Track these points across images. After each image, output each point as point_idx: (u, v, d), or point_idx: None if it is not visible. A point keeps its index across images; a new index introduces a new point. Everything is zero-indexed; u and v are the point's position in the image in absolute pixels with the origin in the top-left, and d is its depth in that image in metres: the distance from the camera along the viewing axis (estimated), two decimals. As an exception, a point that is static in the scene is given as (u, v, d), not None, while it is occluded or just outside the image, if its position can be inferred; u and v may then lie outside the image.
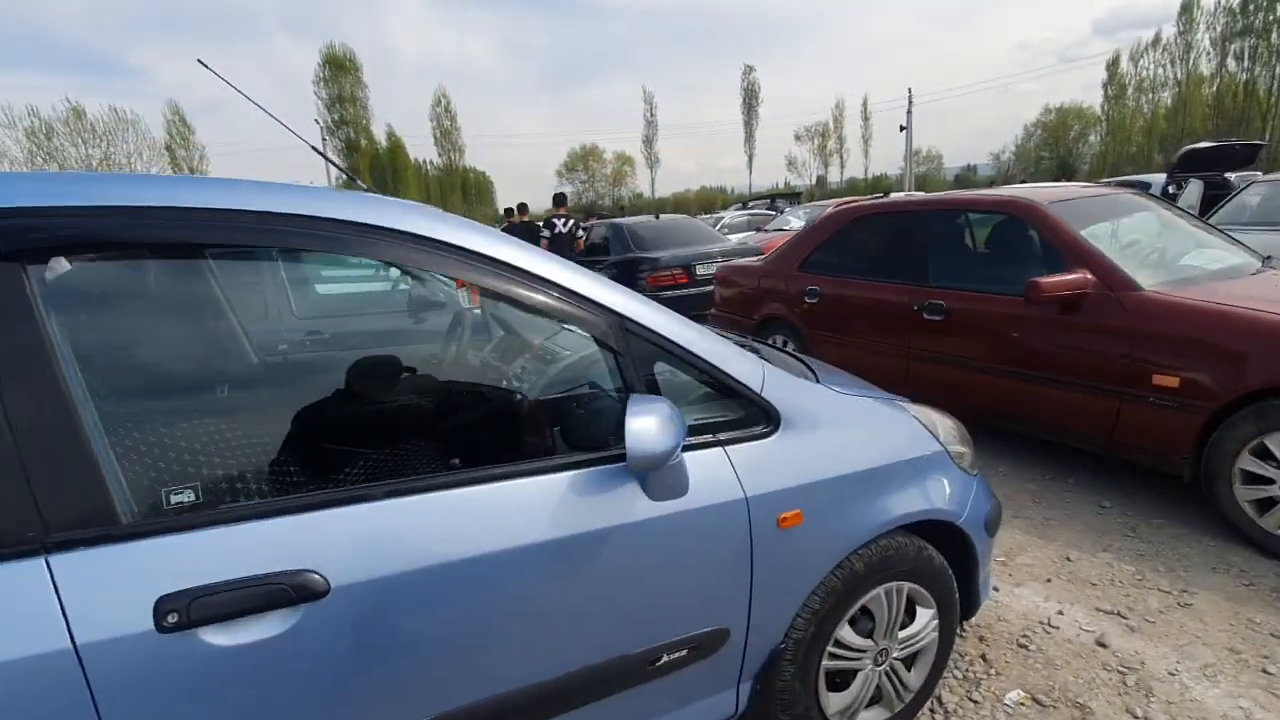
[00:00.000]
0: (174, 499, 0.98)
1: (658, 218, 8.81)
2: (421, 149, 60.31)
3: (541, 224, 8.34)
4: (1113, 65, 48.17)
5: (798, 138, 71.08)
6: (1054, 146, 56.77)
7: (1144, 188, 8.51)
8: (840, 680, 1.58)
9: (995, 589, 2.31)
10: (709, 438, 1.33)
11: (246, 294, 1.25)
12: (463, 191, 60.47)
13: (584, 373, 1.43)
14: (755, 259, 5.26)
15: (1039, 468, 3.28)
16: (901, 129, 36.90)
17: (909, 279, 3.71)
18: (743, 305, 5.04)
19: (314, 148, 1.63)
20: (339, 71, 48.65)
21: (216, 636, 0.93)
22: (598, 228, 8.96)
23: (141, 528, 0.93)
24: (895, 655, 1.63)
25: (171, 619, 0.90)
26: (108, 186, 0.99)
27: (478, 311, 1.93)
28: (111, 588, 0.90)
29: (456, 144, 57.07)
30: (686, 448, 1.29)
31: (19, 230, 0.91)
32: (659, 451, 1.08)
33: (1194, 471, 2.57)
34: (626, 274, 7.73)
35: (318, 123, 34.08)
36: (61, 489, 0.88)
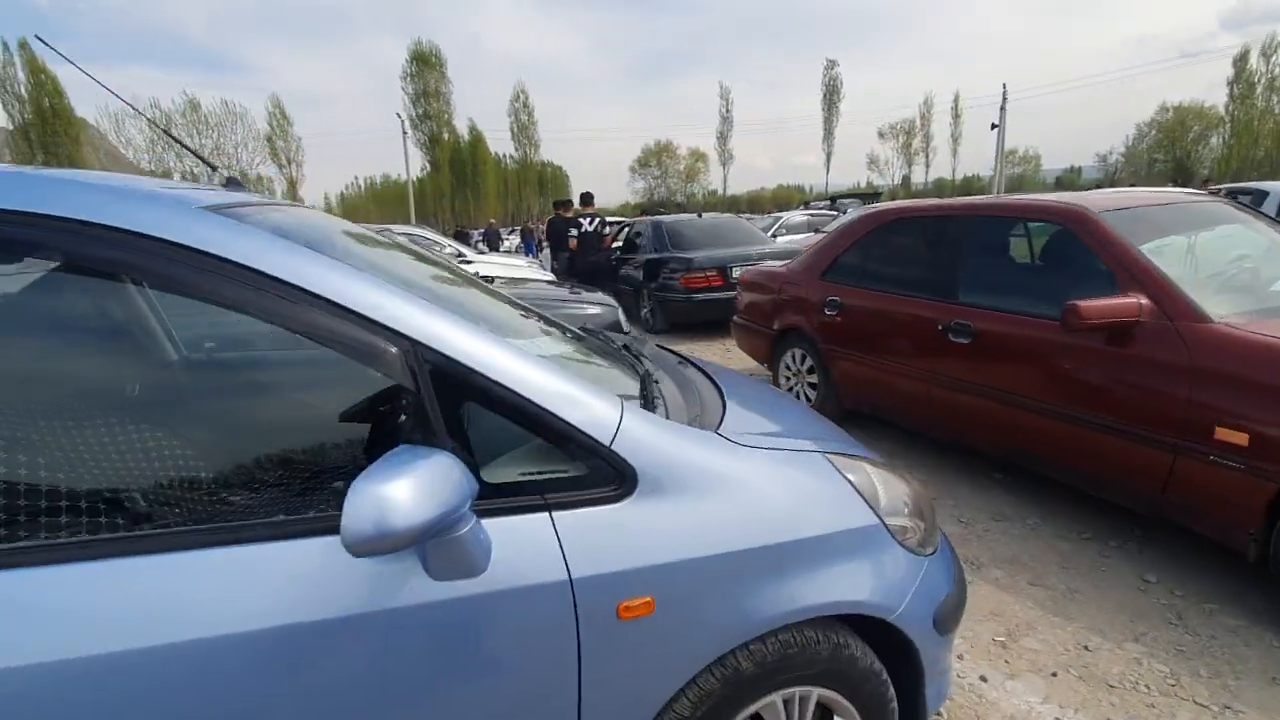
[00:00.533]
0: None
1: (700, 216, 8.48)
2: (504, 143, 61.88)
3: (568, 222, 8.20)
4: (1240, 61, 43.53)
5: (881, 135, 68.53)
6: (1170, 148, 52.04)
7: (1259, 197, 7.46)
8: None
9: (983, 679, 1.91)
10: (534, 499, 1.06)
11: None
12: (539, 185, 61.63)
13: (366, 412, 1.17)
14: (781, 263, 4.87)
15: (1077, 524, 2.78)
16: (993, 127, 34.76)
17: (935, 294, 3.26)
18: (763, 314, 4.66)
19: (152, 121, 1.48)
20: (425, 67, 50.47)
21: None
22: (638, 224, 8.74)
23: None
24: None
25: None
26: None
27: None
28: None
29: (532, 139, 58.24)
30: (498, 511, 1.03)
31: None
32: (396, 529, 0.81)
33: (1261, 550, 2.05)
34: (658, 273, 7.48)
35: (399, 116, 35.36)
36: None
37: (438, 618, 0.97)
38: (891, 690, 1.35)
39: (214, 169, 1.57)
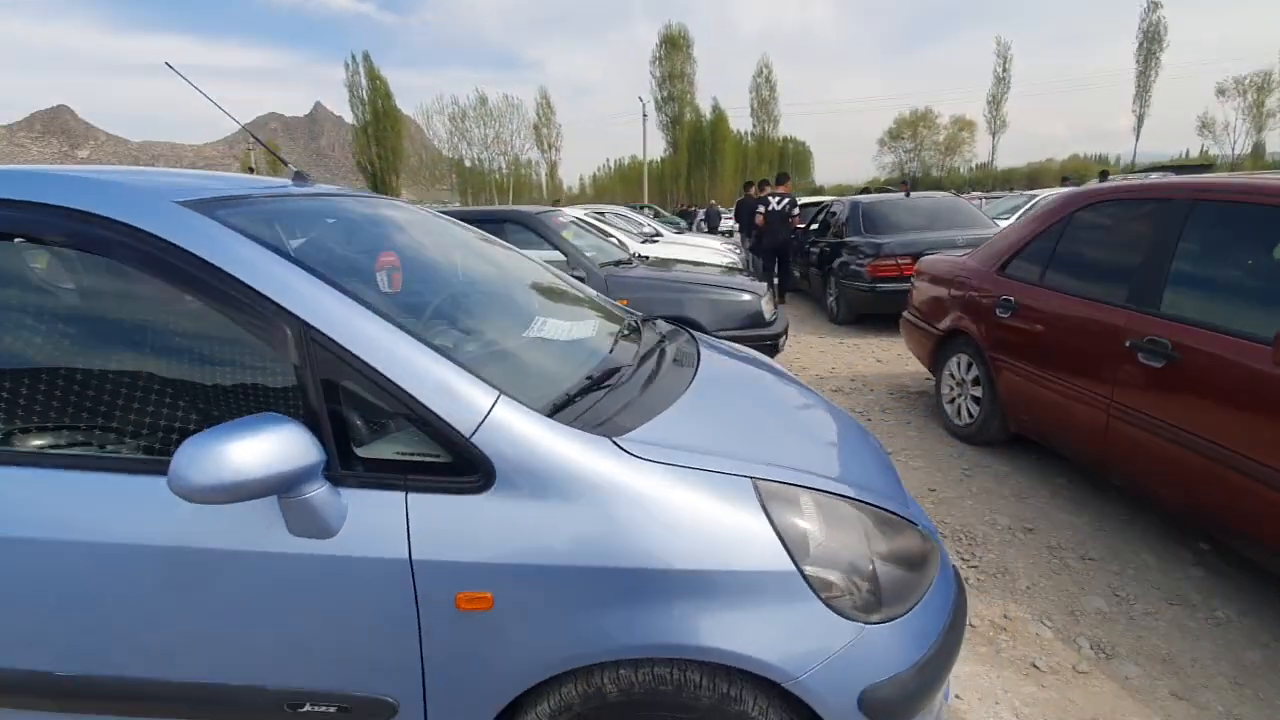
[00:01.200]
0: None
1: (909, 195, 7.59)
2: (744, 120, 61.78)
3: (757, 200, 8.54)
4: None
5: (1221, 93, 53.83)
6: None
7: None
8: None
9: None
10: (395, 478, 1.11)
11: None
12: (779, 161, 60.49)
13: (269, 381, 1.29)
14: (962, 252, 4.15)
15: (1300, 631, 2.00)
16: None
17: (1129, 300, 2.54)
18: (931, 311, 4.08)
19: (255, 139, 1.78)
20: (672, 50, 52.25)
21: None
22: (835, 204, 8.17)
23: None
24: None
25: None
26: None
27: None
28: None
29: (772, 114, 57.01)
30: (363, 484, 1.11)
31: None
32: (214, 483, 0.93)
33: None
34: (845, 259, 6.94)
35: (640, 100, 37.19)
36: None
37: (292, 569, 1.09)
38: None
39: (285, 163, 1.87)
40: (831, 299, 7.39)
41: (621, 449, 1.16)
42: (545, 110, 55.22)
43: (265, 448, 0.97)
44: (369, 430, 1.14)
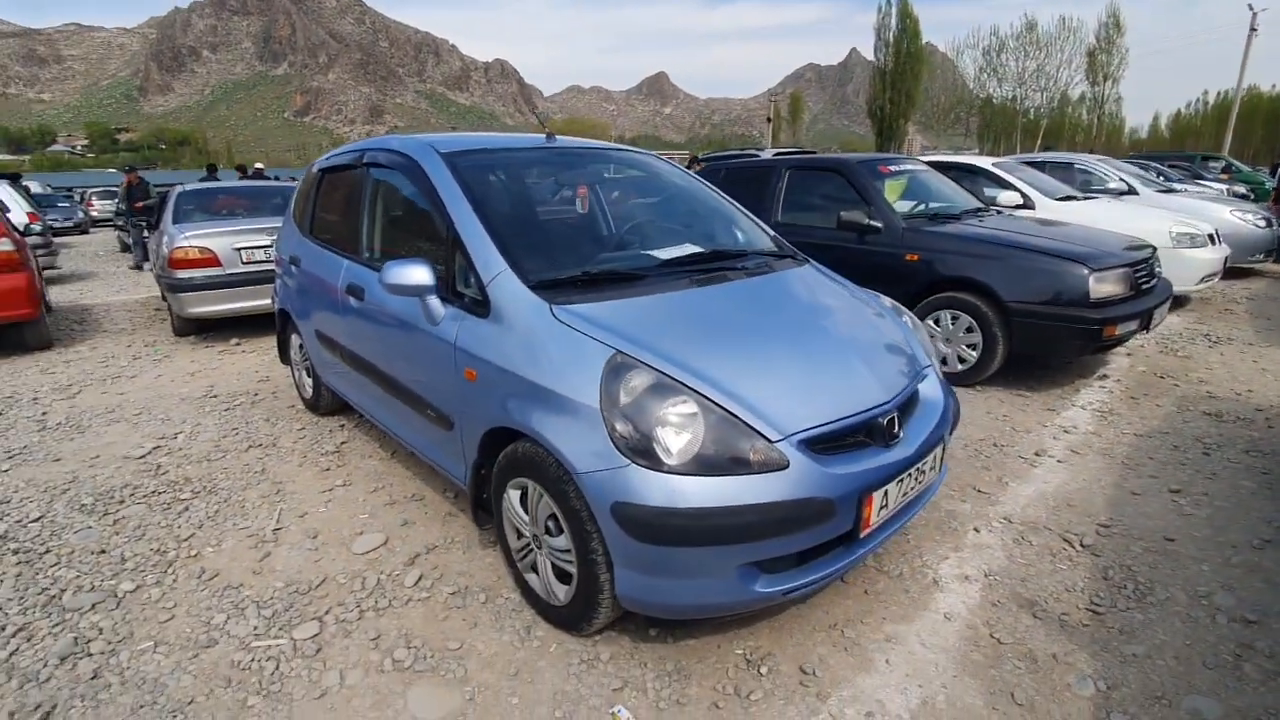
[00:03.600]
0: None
1: None
2: None
3: None
4: None
5: None
6: None
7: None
8: (519, 534, 2.03)
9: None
10: (463, 303, 2.09)
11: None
12: None
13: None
14: None
15: None
16: None
17: None
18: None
19: (533, 112, 2.77)
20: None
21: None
22: None
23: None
24: (551, 557, 1.89)
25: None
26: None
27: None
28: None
29: None
30: (454, 305, 2.13)
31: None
32: (391, 282, 2.06)
33: None
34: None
35: (1251, 7, 25.52)
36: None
37: (424, 338, 2.21)
38: (604, 549, 1.68)
39: (543, 125, 2.87)
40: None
41: (552, 312, 1.86)
42: (1111, 31, 44.11)
43: (412, 273, 2.06)
44: (461, 277, 2.14)
